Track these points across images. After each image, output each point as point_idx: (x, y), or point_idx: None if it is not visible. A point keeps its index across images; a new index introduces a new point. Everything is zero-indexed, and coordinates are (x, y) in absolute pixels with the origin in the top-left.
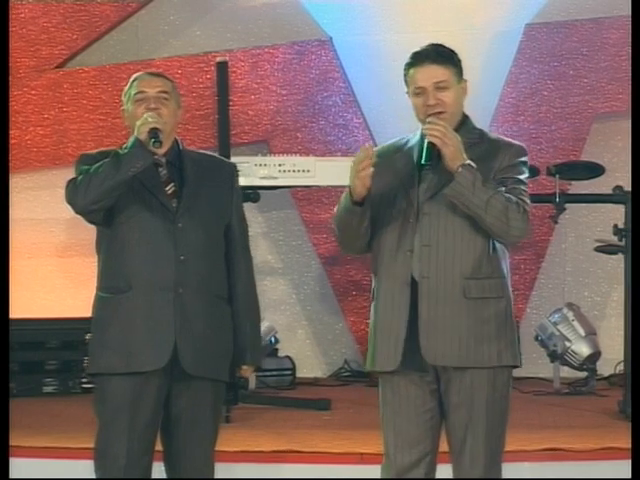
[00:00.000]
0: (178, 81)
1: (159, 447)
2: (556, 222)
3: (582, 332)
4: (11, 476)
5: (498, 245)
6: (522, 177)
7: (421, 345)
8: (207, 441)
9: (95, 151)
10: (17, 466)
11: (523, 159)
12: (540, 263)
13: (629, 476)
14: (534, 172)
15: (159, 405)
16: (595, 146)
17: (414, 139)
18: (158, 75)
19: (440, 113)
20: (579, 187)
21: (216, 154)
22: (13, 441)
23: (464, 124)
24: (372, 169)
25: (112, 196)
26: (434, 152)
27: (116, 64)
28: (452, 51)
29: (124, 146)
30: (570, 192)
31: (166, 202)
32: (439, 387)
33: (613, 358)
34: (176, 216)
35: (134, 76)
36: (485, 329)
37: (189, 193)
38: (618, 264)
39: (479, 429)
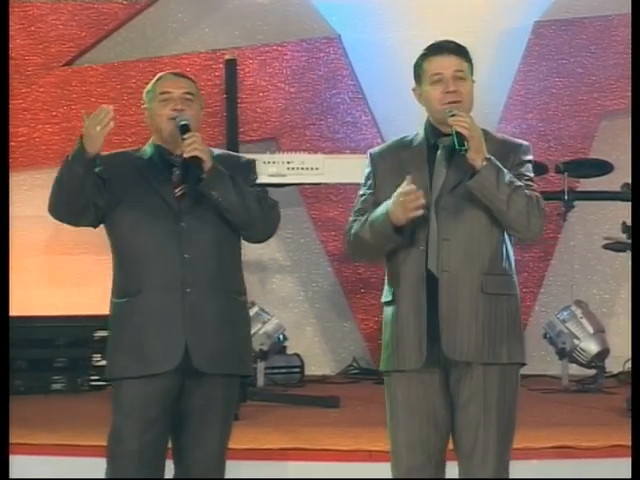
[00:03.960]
0: None
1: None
2: (565, 220)
3: (590, 330)
4: (19, 474)
5: (509, 243)
6: (531, 175)
7: (442, 340)
8: (216, 439)
9: (110, 152)
10: (25, 464)
11: (530, 157)
12: (549, 261)
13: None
14: (542, 169)
15: (170, 404)
16: (604, 143)
17: (418, 138)
18: (183, 76)
19: (457, 102)
20: (587, 185)
21: (234, 152)
22: (21, 439)
23: None
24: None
25: (77, 200)
26: (463, 139)
27: (124, 62)
28: (466, 47)
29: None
30: (579, 190)
31: (172, 203)
32: (449, 383)
33: (621, 356)
34: (179, 216)
35: (158, 75)
36: (498, 326)
37: (195, 193)
38: (627, 262)
39: (491, 427)
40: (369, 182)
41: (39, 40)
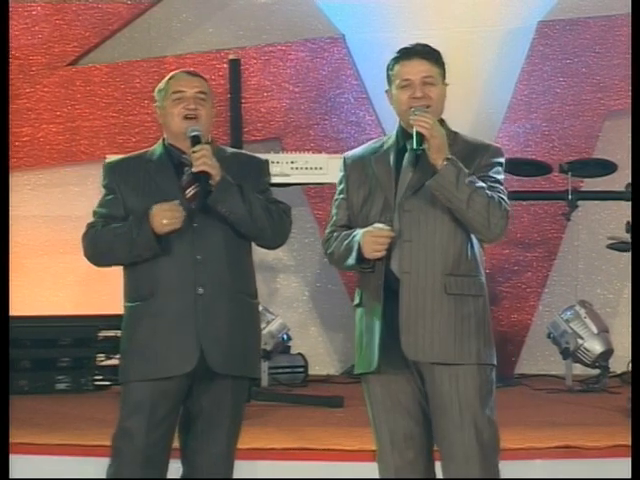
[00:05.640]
0: None
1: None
2: (569, 219)
3: (594, 329)
4: (23, 474)
5: (476, 245)
6: (500, 177)
7: (401, 340)
8: (224, 441)
9: (118, 158)
10: (29, 464)
11: (500, 160)
12: (552, 260)
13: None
14: (546, 169)
15: (178, 403)
16: (607, 143)
17: (390, 141)
18: (196, 75)
19: (426, 107)
20: (591, 184)
21: (246, 152)
22: (25, 438)
23: (441, 126)
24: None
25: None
26: (423, 140)
27: (128, 61)
28: (438, 51)
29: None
30: (583, 189)
31: (183, 204)
32: (423, 384)
33: (625, 355)
34: (191, 216)
35: (171, 74)
36: (465, 326)
37: (206, 192)
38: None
39: (469, 427)
40: (341, 186)
41: (43, 40)
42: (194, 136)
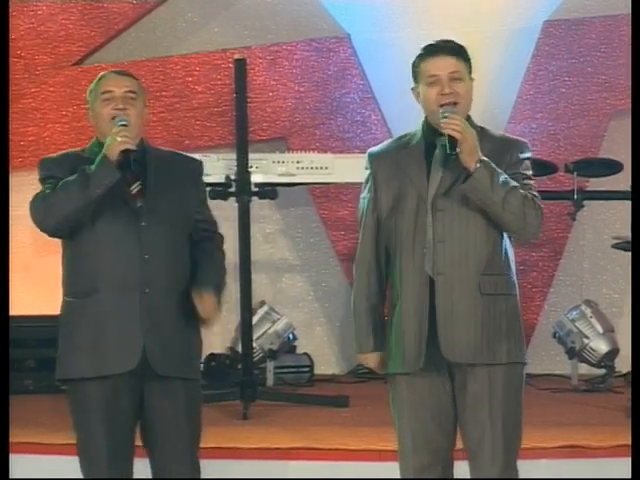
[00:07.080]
0: (196, 78)
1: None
2: (574, 219)
3: (600, 329)
4: (28, 474)
5: (507, 243)
6: (529, 173)
7: (440, 342)
8: (183, 443)
9: (57, 154)
10: (33, 463)
11: (528, 154)
12: (558, 260)
13: None
14: (552, 169)
15: (134, 405)
16: (613, 143)
17: (417, 136)
18: (125, 74)
19: (454, 104)
20: (597, 184)
21: (182, 152)
22: (29, 438)
23: (467, 122)
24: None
25: (78, 217)
26: (455, 143)
27: (134, 61)
28: (463, 46)
29: (91, 163)
30: (588, 189)
31: (129, 201)
32: (453, 384)
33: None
34: (139, 215)
35: (100, 74)
36: (496, 326)
37: (152, 191)
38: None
39: (498, 427)
40: (368, 185)
41: (48, 40)
42: (122, 125)
